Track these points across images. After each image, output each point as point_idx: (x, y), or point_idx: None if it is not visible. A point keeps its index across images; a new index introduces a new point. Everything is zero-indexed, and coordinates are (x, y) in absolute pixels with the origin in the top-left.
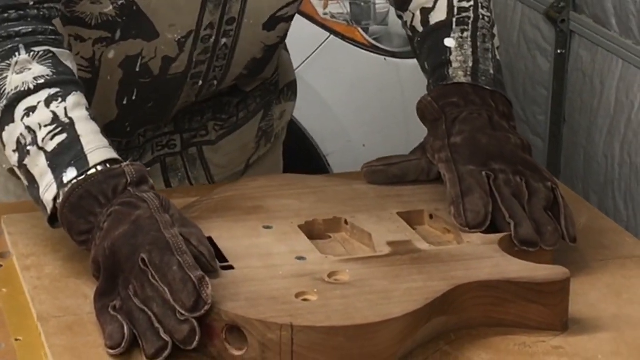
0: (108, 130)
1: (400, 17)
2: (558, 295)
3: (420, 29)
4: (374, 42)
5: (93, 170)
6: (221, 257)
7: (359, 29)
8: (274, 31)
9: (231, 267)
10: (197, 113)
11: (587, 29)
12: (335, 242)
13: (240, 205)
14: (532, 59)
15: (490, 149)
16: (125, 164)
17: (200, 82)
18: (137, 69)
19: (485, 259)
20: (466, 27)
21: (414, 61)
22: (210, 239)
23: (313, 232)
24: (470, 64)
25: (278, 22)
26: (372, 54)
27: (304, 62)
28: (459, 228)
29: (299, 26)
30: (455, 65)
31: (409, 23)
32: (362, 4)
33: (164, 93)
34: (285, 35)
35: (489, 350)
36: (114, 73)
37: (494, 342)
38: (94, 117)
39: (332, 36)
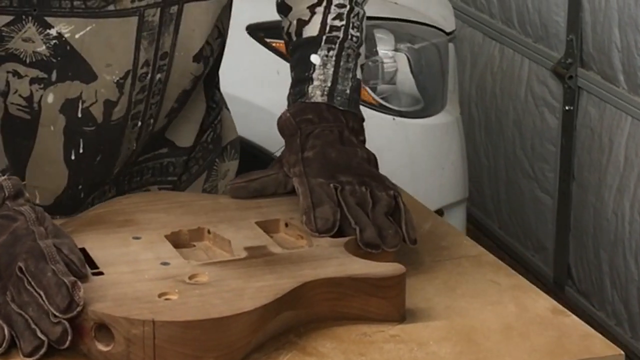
0: (62, 204)
1: (281, 18)
2: (395, 289)
3: (294, 37)
4: (382, 101)
5: None
6: (92, 265)
7: (367, 88)
8: (202, 62)
9: (101, 273)
10: (136, 173)
11: (595, 86)
12: (198, 249)
13: (112, 219)
14: (540, 115)
15: (338, 162)
16: (2, 178)
17: (139, 123)
18: (80, 115)
19: (331, 259)
20: (333, 46)
21: (423, 121)
22: (83, 250)
23: (178, 241)
24: (329, 84)
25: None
26: (380, 114)
27: None
28: (311, 234)
29: None
30: (315, 83)
31: (285, 29)
32: (370, 63)
33: (109, 141)
34: (208, 64)
35: (334, 341)
36: (57, 120)
37: (338, 332)
38: None
39: None
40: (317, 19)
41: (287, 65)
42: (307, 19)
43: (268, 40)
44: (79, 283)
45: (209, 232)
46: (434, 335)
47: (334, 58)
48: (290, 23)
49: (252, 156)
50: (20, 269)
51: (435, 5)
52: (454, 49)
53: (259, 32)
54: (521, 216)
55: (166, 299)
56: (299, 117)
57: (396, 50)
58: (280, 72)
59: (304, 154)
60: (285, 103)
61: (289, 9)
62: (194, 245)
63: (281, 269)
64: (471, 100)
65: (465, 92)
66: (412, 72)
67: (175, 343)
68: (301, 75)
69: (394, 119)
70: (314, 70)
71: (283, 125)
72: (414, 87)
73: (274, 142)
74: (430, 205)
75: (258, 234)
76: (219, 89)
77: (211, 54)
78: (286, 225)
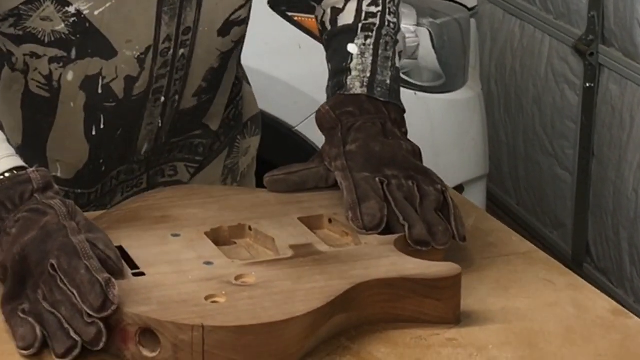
0: (83, 178)
1: (313, 7)
2: (450, 290)
3: (328, 26)
4: (403, 76)
5: (1, 177)
6: (132, 265)
7: None
8: (229, 36)
9: (142, 274)
10: (167, 152)
11: (616, 63)
12: (240, 247)
13: (148, 215)
14: (560, 92)
15: (383, 156)
16: (30, 170)
17: (163, 98)
18: (100, 91)
19: (382, 258)
20: (370, 34)
21: (445, 96)
22: (121, 248)
23: (219, 238)
24: (368, 75)
25: (232, 26)
26: (402, 89)
27: None
28: (357, 231)
29: None
30: (354, 74)
31: (319, 18)
32: None
33: (130, 116)
34: (240, 41)
35: (388, 344)
36: (77, 97)
37: (392, 336)
38: (1, 127)
39: None
40: (352, 6)
41: (309, 39)
42: (341, 6)
43: (290, 13)
44: (114, 280)
45: (250, 228)
46: (493, 339)
47: (371, 46)
48: (324, 12)
49: (272, 129)
50: (52, 266)
51: None
52: (476, 25)
53: (281, 5)
54: (540, 193)
55: (214, 302)
56: (339, 109)
57: (418, 25)
58: (301, 45)
59: (346, 148)
60: (307, 79)
61: None
62: (235, 243)
63: (331, 269)
64: (491, 77)
65: (485, 69)
66: (434, 47)
67: (226, 349)
68: (339, 67)
69: (415, 94)
70: (351, 60)
71: (322, 118)
72: (436, 62)
73: (294, 116)
74: (451, 180)
75: (302, 231)
76: (240, 64)
77: (241, 25)
78: (330, 221)
